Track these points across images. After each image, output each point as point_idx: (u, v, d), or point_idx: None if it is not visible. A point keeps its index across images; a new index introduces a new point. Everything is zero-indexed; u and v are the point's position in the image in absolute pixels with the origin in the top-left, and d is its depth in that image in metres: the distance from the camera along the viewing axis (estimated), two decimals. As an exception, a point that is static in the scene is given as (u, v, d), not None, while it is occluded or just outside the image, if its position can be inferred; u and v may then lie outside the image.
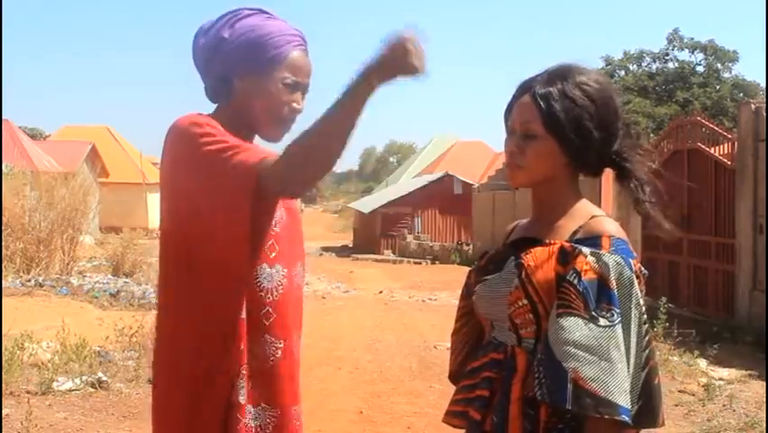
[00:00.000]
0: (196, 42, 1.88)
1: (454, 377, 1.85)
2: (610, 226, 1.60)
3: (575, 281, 1.52)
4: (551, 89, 1.61)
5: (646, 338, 1.56)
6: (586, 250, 1.54)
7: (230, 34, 1.81)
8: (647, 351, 1.56)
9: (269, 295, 1.80)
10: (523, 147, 1.63)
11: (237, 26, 1.82)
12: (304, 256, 1.96)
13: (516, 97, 1.69)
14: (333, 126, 1.63)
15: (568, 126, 1.60)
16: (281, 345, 1.82)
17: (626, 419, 1.47)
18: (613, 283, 1.51)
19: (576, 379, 1.47)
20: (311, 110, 1.86)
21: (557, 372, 1.49)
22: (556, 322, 1.51)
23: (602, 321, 1.49)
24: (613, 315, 1.49)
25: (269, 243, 1.80)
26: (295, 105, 1.84)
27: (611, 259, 1.53)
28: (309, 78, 1.87)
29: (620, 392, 1.46)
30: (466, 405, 1.68)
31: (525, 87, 1.67)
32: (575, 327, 1.49)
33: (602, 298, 1.50)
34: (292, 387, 1.88)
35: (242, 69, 1.81)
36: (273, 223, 1.81)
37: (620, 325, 1.49)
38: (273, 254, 1.81)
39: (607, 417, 1.46)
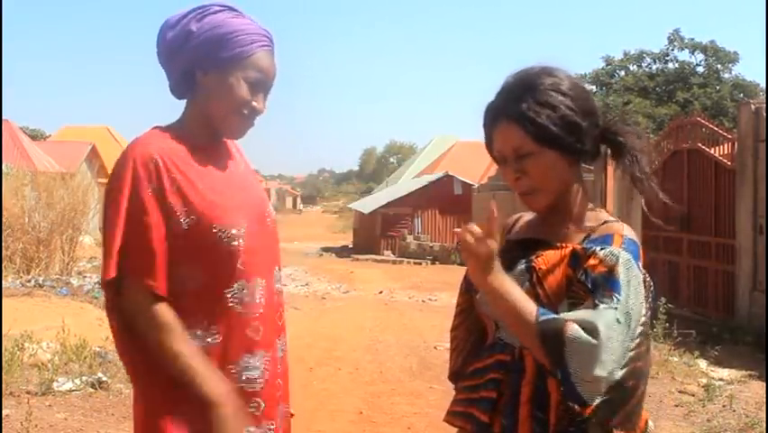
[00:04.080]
0: (161, 36, 1.85)
1: (455, 377, 1.82)
2: (624, 228, 1.59)
3: (584, 279, 1.51)
4: (526, 105, 1.57)
5: (637, 340, 1.52)
6: (597, 248, 1.53)
7: (197, 28, 1.80)
8: (633, 352, 1.51)
9: (255, 310, 1.79)
10: (524, 169, 1.60)
11: (204, 21, 1.80)
12: (279, 261, 1.93)
13: (490, 126, 1.64)
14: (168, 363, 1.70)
15: (560, 132, 1.56)
16: (269, 357, 1.82)
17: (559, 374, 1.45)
18: (620, 274, 1.49)
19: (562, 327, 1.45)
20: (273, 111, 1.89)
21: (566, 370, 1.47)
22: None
23: (602, 306, 1.47)
24: (612, 299, 1.47)
25: (240, 259, 1.77)
26: (255, 104, 1.82)
27: (622, 254, 1.51)
28: (272, 79, 1.86)
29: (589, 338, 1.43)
30: (468, 406, 1.66)
31: (497, 113, 1.62)
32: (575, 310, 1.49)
33: (606, 286, 1.48)
34: (279, 395, 1.88)
35: (205, 64, 1.80)
36: (238, 238, 1.77)
37: (615, 310, 1.46)
38: (246, 269, 1.78)
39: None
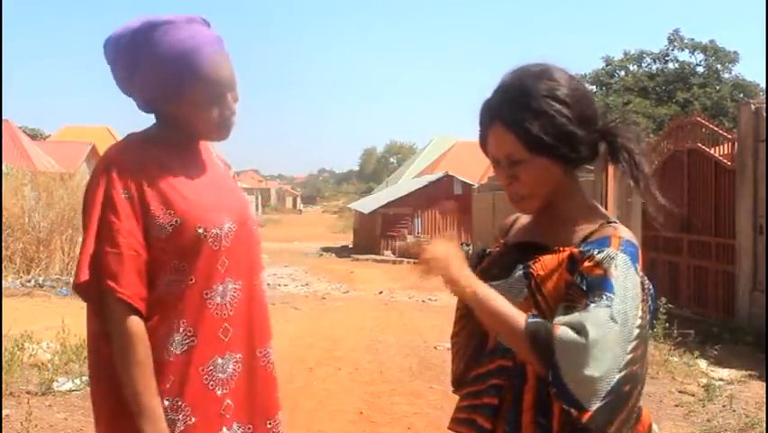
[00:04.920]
0: (109, 57, 1.81)
1: (458, 383, 1.80)
2: (622, 230, 1.56)
3: (580, 282, 1.49)
4: (521, 112, 1.54)
5: (633, 344, 1.48)
6: (594, 251, 1.50)
7: (144, 57, 1.73)
8: (630, 356, 1.48)
9: (225, 311, 1.77)
10: (516, 174, 1.58)
11: (151, 45, 1.73)
12: (261, 265, 1.91)
13: (485, 125, 1.62)
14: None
15: (553, 141, 1.53)
16: (240, 358, 1.80)
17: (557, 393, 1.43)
18: (614, 274, 1.46)
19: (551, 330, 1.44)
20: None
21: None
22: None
23: (592, 306, 1.45)
24: (603, 298, 1.45)
25: (220, 259, 1.77)
26: (226, 111, 1.80)
27: (619, 256, 1.49)
28: (233, 76, 1.81)
29: (574, 378, 1.42)
30: (471, 412, 1.64)
31: (492, 114, 1.59)
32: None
33: (600, 286, 1.46)
34: (268, 399, 1.87)
35: (164, 101, 1.77)
36: (221, 238, 1.77)
37: (607, 308, 1.44)
38: (224, 270, 1.77)
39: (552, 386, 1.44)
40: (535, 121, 1.53)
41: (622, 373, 1.46)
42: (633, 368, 1.48)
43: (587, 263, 1.49)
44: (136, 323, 1.68)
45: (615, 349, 1.45)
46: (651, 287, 1.57)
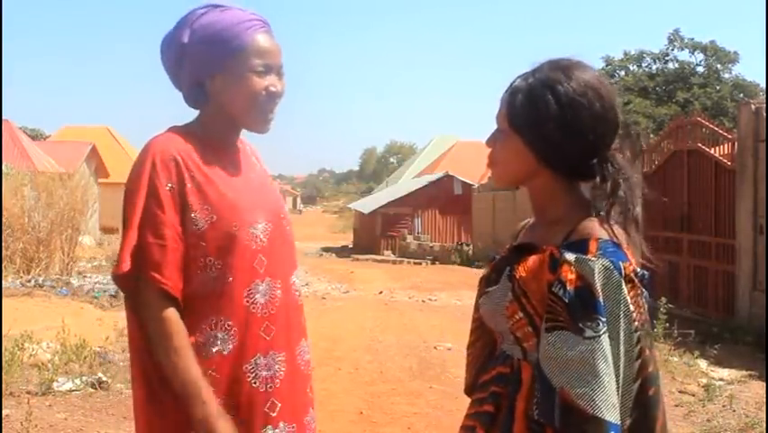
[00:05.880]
0: (162, 56, 1.87)
1: (470, 390, 1.79)
2: (599, 229, 1.50)
3: (560, 292, 1.44)
4: (521, 85, 1.56)
5: (638, 347, 1.44)
6: (570, 256, 1.45)
7: (189, 38, 1.80)
8: (639, 360, 1.45)
9: (266, 310, 1.79)
10: (493, 142, 1.61)
11: (194, 28, 1.80)
12: (296, 263, 1.93)
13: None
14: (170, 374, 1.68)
15: (525, 126, 1.53)
16: (284, 358, 1.81)
17: None
18: (598, 291, 1.41)
19: (563, 396, 1.40)
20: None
21: (547, 389, 1.43)
22: (545, 338, 1.45)
23: (588, 332, 1.40)
24: (598, 324, 1.40)
25: (257, 258, 1.78)
26: (271, 88, 1.81)
27: (597, 264, 1.43)
28: (279, 58, 1.84)
29: (608, 407, 1.38)
30: (475, 419, 1.63)
31: (511, 82, 1.61)
32: (562, 342, 1.42)
33: (587, 307, 1.41)
34: (304, 397, 1.88)
35: (208, 69, 1.80)
36: (257, 237, 1.78)
37: (606, 335, 1.40)
38: (262, 269, 1.78)
39: None
40: (523, 100, 1.55)
41: (638, 381, 1.45)
42: (646, 372, 1.47)
43: (568, 274, 1.44)
44: (174, 312, 1.70)
45: (623, 367, 1.43)
46: (645, 274, 1.51)
